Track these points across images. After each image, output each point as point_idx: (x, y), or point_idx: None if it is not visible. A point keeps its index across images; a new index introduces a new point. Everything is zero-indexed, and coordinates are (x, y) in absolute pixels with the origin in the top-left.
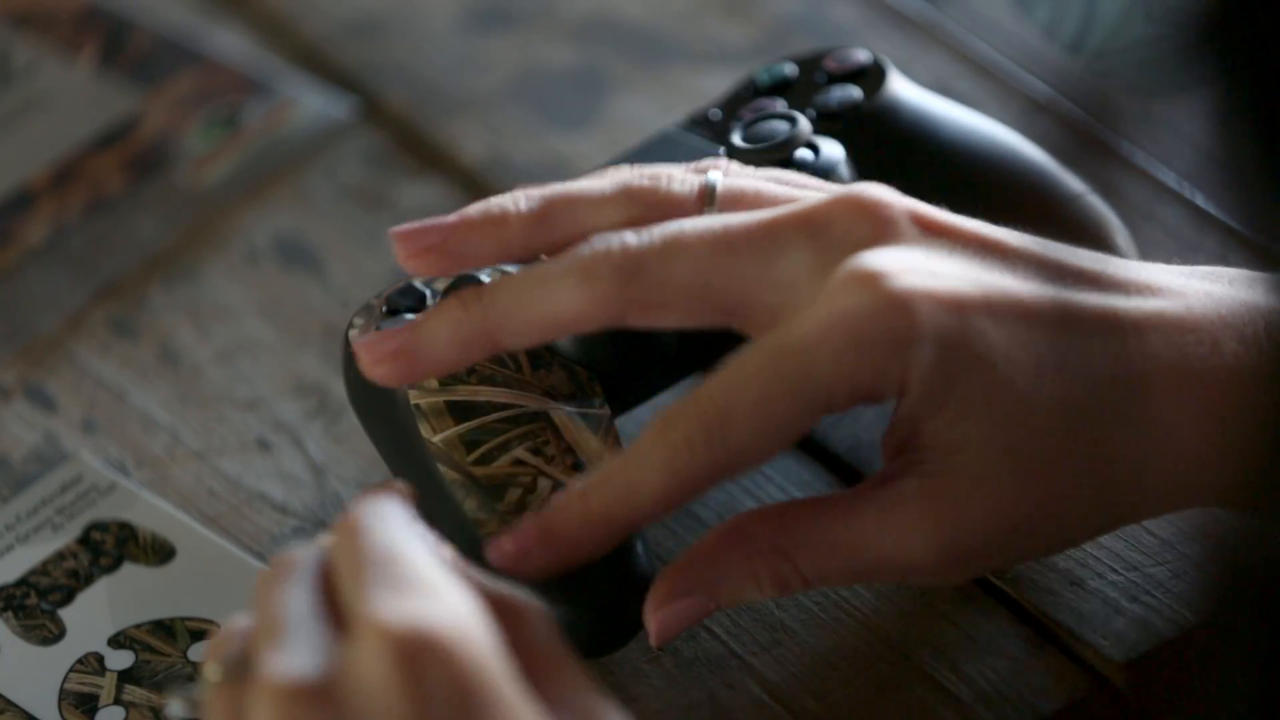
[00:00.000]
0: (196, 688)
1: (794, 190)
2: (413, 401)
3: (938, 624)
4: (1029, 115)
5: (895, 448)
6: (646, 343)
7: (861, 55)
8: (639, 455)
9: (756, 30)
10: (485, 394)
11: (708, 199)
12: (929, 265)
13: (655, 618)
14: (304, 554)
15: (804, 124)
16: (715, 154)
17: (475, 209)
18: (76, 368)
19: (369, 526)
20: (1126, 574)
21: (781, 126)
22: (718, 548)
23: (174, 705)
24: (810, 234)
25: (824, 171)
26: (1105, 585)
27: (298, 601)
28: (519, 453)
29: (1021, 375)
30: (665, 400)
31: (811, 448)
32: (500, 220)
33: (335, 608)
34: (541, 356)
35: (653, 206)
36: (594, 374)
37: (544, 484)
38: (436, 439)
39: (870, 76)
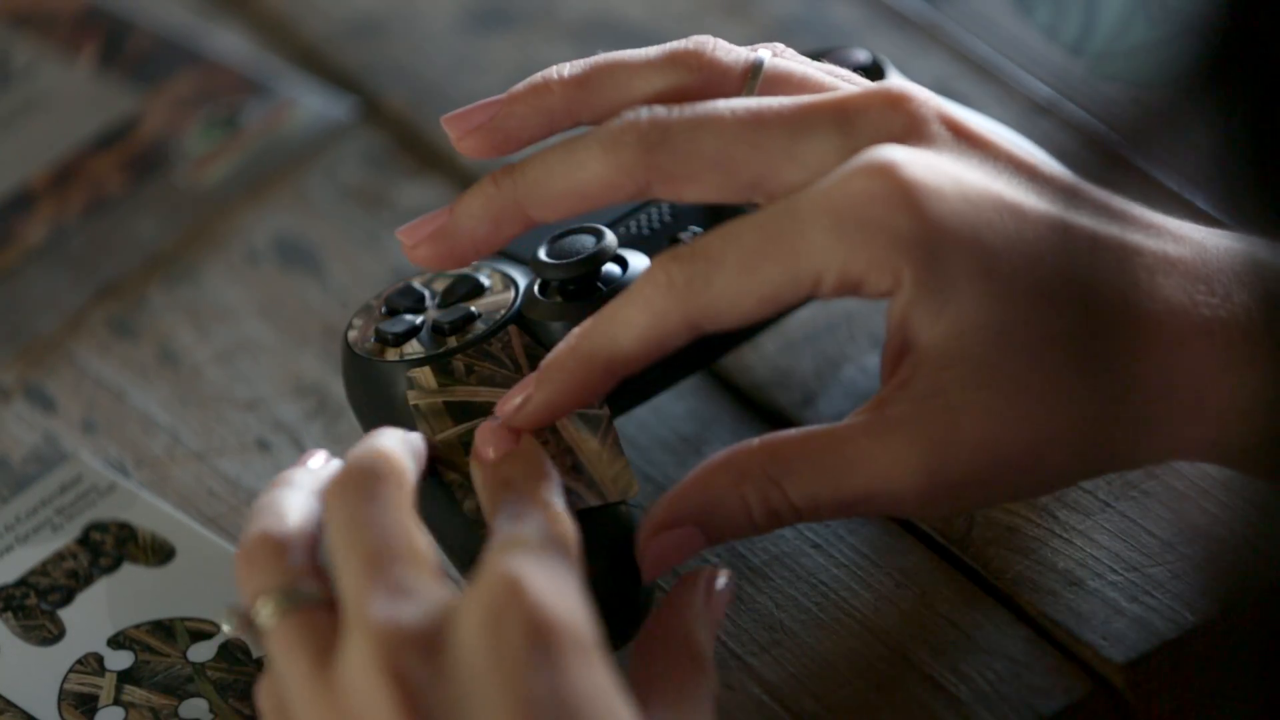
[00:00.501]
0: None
1: (838, 81)
2: (412, 403)
3: (938, 624)
4: (1030, 116)
5: (891, 364)
6: None
7: (861, 55)
8: (626, 298)
9: (756, 30)
10: (484, 395)
11: (753, 73)
12: (950, 168)
13: (646, 550)
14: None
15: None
16: None
17: (521, 84)
18: (76, 368)
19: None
20: (1126, 574)
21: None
22: (708, 477)
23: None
24: (841, 121)
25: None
26: (1105, 585)
27: (395, 530)
28: None
29: (1025, 295)
30: (664, 400)
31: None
32: (544, 89)
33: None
34: (541, 357)
35: (696, 71)
36: None
37: None
38: (436, 440)
39: (870, 77)
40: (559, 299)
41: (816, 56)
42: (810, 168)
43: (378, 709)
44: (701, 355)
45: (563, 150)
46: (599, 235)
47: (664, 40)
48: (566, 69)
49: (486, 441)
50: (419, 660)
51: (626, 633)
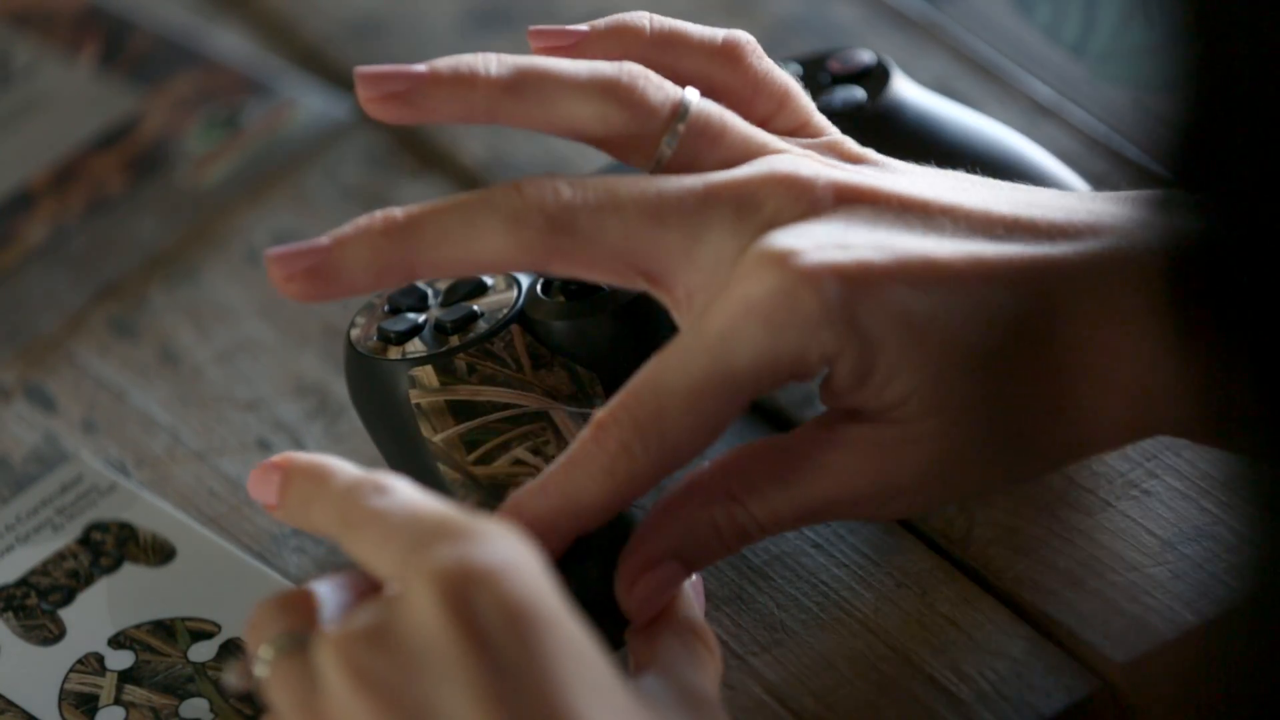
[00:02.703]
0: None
1: (752, 137)
2: (413, 401)
3: (938, 624)
4: (1030, 116)
5: (831, 404)
6: (648, 343)
7: (865, 56)
8: (578, 464)
9: (757, 30)
10: (486, 394)
11: (679, 115)
12: (843, 237)
13: (632, 596)
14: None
15: None
16: None
17: (445, 63)
18: (76, 368)
19: (382, 506)
20: (1126, 574)
21: None
22: (675, 508)
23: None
24: (736, 210)
25: None
26: (1105, 585)
27: (339, 584)
28: (519, 453)
29: (943, 333)
30: None
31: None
32: (469, 81)
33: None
34: (543, 357)
35: (626, 107)
36: (595, 374)
37: None
38: (437, 438)
39: (874, 78)
40: (561, 298)
41: (818, 57)
42: (707, 269)
43: (355, 710)
44: None
45: (461, 215)
46: None
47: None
48: (494, 66)
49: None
50: (373, 654)
51: (615, 640)
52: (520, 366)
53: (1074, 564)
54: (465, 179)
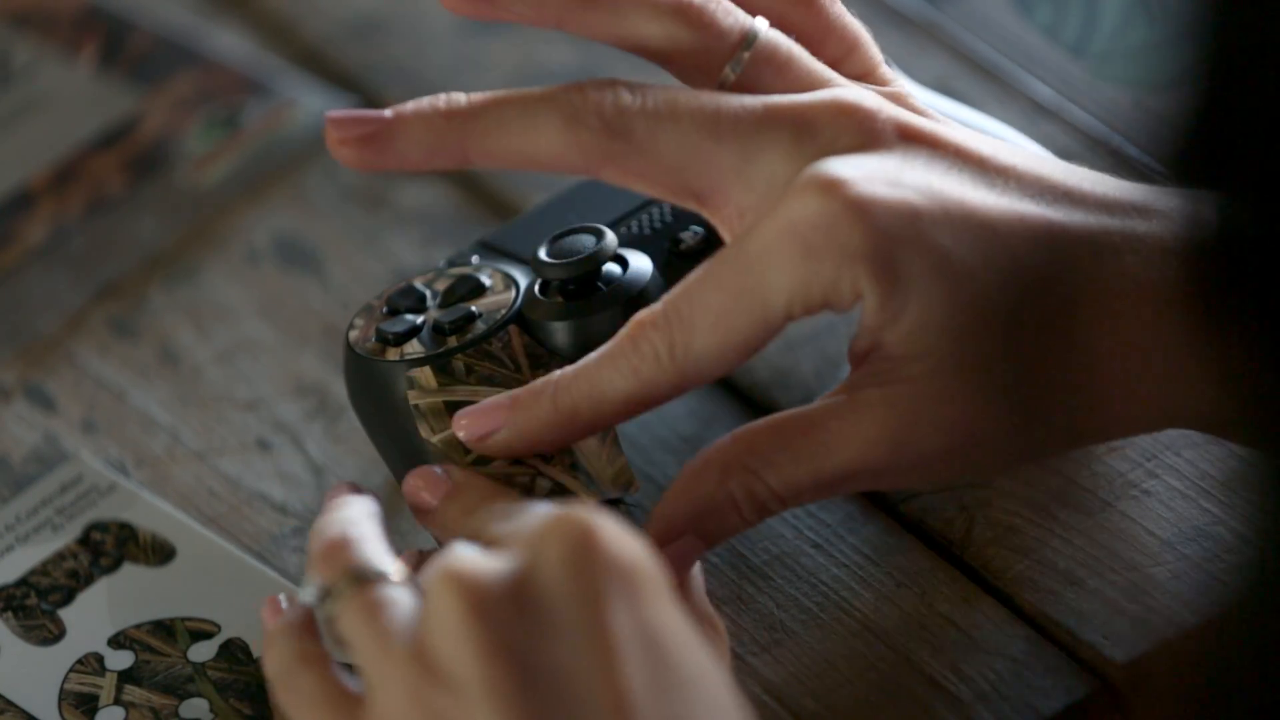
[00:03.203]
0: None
1: (817, 70)
2: (412, 402)
3: (938, 624)
4: (1030, 116)
5: (859, 356)
6: None
7: None
8: (609, 361)
9: None
10: (484, 394)
11: (746, 43)
12: (896, 174)
13: None
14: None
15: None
16: None
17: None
18: (76, 368)
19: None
20: (1126, 574)
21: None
22: (692, 481)
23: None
24: (795, 134)
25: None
26: (1105, 585)
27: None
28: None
29: (981, 289)
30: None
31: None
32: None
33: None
34: (541, 357)
35: (695, 28)
36: None
37: (542, 484)
38: (435, 439)
39: None
40: (559, 299)
41: None
42: (757, 191)
43: (466, 658)
44: None
45: (521, 108)
46: (599, 235)
47: None
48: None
49: (421, 489)
50: (502, 607)
51: None
52: (518, 367)
53: (1074, 564)
54: (465, 179)
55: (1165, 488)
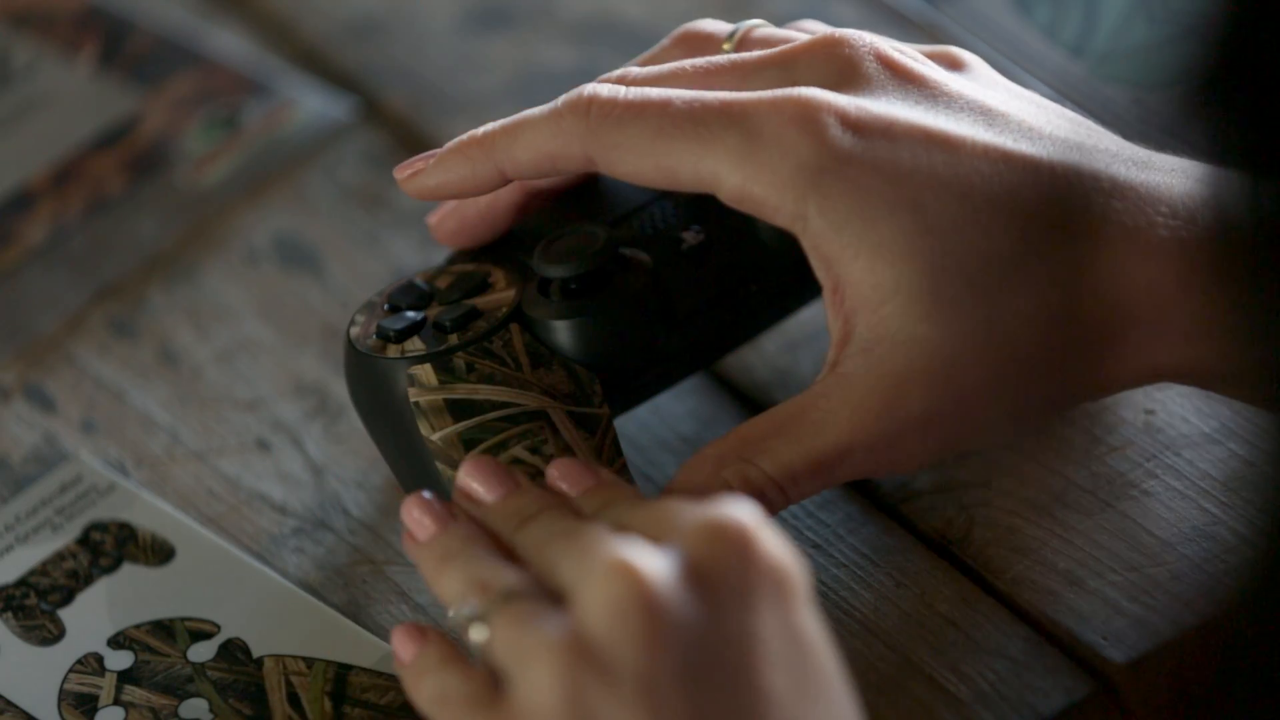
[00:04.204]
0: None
1: (809, 27)
2: (412, 400)
3: (938, 624)
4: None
5: (837, 330)
6: (646, 343)
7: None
8: (550, 111)
9: None
10: (484, 392)
11: (731, 35)
12: (875, 106)
13: None
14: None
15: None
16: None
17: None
18: (76, 368)
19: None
20: (1126, 574)
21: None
22: (690, 474)
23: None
24: (783, 68)
25: None
26: (1105, 585)
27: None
28: (517, 451)
29: (955, 223)
30: (664, 400)
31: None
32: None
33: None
34: (542, 355)
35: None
36: (593, 374)
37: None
38: (435, 437)
39: None
40: (560, 297)
41: None
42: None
43: (626, 645)
44: (702, 356)
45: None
46: (600, 234)
47: (662, 38)
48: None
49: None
50: (664, 600)
51: None
52: (519, 365)
53: (1074, 564)
54: None
55: (1165, 488)
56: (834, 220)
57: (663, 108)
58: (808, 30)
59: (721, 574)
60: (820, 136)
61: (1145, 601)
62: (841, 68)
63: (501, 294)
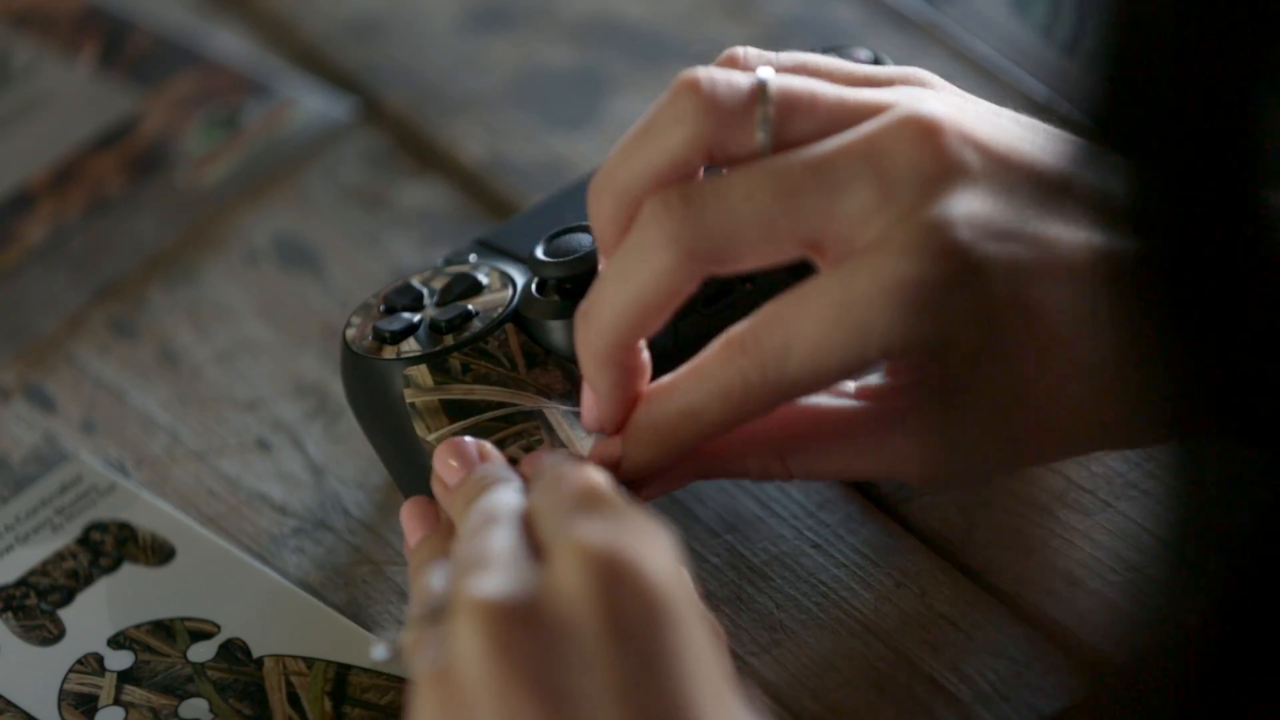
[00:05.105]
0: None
1: (844, 93)
2: (408, 400)
3: (938, 624)
4: (1028, 115)
5: (900, 371)
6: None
7: (862, 55)
8: (701, 378)
9: (756, 30)
10: (480, 392)
11: (761, 98)
12: (992, 217)
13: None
14: (503, 500)
15: None
16: None
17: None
18: (76, 368)
19: (567, 472)
20: (1126, 574)
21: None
22: (718, 454)
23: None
24: (873, 167)
25: None
26: (1105, 585)
27: (500, 538)
28: (513, 451)
29: (1069, 334)
30: None
31: None
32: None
33: (536, 546)
34: (537, 356)
35: (707, 113)
36: None
37: None
38: (431, 437)
39: None
40: (556, 297)
41: None
42: (855, 221)
43: (488, 683)
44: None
45: (615, 274)
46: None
47: (664, 40)
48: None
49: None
50: (516, 627)
51: None
52: (514, 365)
53: (1074, 564)
54: (465, 179)
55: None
56: (970, 344)
57: None
58: (839, 72)
59: (581, 603)
60: (976, 283)
61: (1145, 601)
62: (938, 162)
63: (497, 294)
